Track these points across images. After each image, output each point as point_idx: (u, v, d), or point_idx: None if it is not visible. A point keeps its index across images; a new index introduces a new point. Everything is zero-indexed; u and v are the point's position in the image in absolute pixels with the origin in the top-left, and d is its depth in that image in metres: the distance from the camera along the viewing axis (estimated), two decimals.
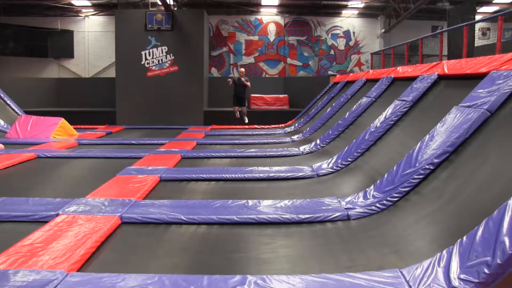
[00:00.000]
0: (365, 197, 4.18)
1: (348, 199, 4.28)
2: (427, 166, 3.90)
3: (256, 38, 16.78)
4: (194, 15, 13.41)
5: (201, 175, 5.61)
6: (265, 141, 9.22)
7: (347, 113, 8.21)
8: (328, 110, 9.90)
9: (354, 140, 6.19)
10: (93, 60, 16.77)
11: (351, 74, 12.69)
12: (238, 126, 12.29)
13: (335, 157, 6.07)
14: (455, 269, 2.37)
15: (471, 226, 2.63)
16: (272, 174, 5.67)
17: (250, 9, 16.40)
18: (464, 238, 2.53)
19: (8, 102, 11.31)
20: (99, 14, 16.53)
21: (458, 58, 6.79)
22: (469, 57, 6.05)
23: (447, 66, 5.73)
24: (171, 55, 13.21)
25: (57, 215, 3.81)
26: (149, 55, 13.17)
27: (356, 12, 16.72)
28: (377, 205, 3.94)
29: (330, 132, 7.87)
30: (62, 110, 13.09)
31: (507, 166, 3.13)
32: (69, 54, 16.61)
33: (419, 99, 5.87)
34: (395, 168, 4.27)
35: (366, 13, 16.68)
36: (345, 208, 3.99)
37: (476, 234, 2.45)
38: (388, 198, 3.94)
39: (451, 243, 2.62)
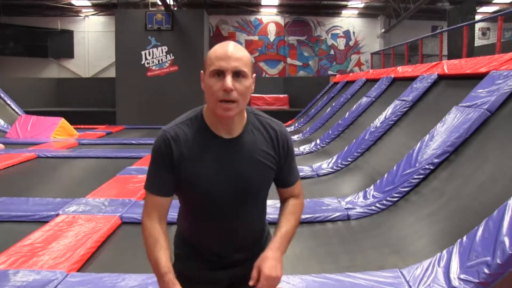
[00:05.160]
0: (365, 197, 4.17)
1: (348, 199, 4.28)
2: (427, 166, 3.90)
3: (256, 38, 16.78)
4: (194, 15, 13.40)
5: None
6: None
7: (347, 113, 8.20)
8: (328, 110, 9.89)
9: (354, 140, 6.18)
10: (93, 60, 16.77)
11: (351, 74, 12.68)
12: None
13: (335, 157, 6.07)
14: (455, 269, 2.37)
15: (471, 226, 2.63)
16: None
17: (250, 9, 16.40)
18: (464, 238, 2.53)
19: (8, 102, 11.31)
20: (99, 14, 16.52)
21: (458, 58, 6.79)
22: (469, 57, 6.05)
23: (447, 66, 5.73)
24: (171, 55, 13.20)
25: (57, 215, 3.81)
26: (149, 55, 13.17)
27: (356, 12, 16.72)
28: (377, 205, 3.94)
29: (330, 132, 7.87)
30: (62, 110, 13.08)
31: (507, 166, 3.13)
32: (69, 54, 16.60)
33: (419, 99, 5.87)
34: (395, 168, 4.27)
35: (366, 13, 16.68)
36: (345, 208, 3.99)
37: (476, 234, 2.45)
38: (388, 198, 3.94)
39: (451, 243, 2.62)
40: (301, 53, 17.05)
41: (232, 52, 1.29)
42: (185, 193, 1.40)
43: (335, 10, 16.61)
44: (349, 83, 11.13)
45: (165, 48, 13.16)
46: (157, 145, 1.37)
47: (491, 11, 15.73)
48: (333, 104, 10.00)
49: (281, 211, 1.56)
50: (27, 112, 11.28)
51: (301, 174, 5.68)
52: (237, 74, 1.27)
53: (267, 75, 16.82)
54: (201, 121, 1.38)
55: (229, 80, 1.26)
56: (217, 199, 1.38)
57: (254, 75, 1.36)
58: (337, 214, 3.86)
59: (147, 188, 1.42)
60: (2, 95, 11.26)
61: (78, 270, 2.81)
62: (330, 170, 5.71)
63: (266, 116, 1.46)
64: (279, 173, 1.48)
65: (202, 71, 1.35)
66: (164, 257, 1.34)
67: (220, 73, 1.27)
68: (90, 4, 15.85)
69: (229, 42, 1.32)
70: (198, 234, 1.47)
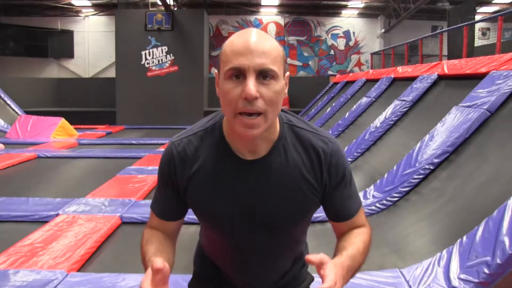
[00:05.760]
0: (365, 197, 4.17)
1: None
2: (427, 166, 3.90)
3: None
4: (194, 15, 13.41)
5: None
6: None
7: (347, 113, 8.20)
8: (328, 110, 9.90)
9: (354, 140, 6.19)
10: (93, 60, 16.77)
11: (351, 74, 12.69)
12: None
13: None
14: (455, 269, 2.37)
15: (471, 226, 2.63)
16: None
17: (250, 9, 16.40)
18: (464, 238, 2.53)
19: (8, 102, 11.32)
20: (99, 14, 16.53)
21: (458, 58, 6.79)
22: (469, 57, 6.05)
23: (447, 66, 5.73)
24: (171, 55, 13.21)
25: (57, 215, 3.80)
26: (149, 55, 13.17)
27: (356, 12, 16.72)
28: (377, 205, 3.94)
29: (330, 132, 7.87)
30: (62, 110, 13.08)
31: (507, 166, 3.13)
32: (69, 54, 16.61)
33: (419, 99, 5.87)
34: (395, 168, 4.27)
35: (366, 13, 16.68)
36: None
37: (476, 234, 2.45)
38: (388, 198, 3.94)
39: (451, 243, 2.62)
40: (301, 53, 17.05)
41: (255, 43, 0.92)
42: (196, 215, 1.15)
43: (335, 10, 16.62)
44: (349, 83, 11.14)
45: (165, 48, 13.16)
46: (161, 162, 1.09)
47: (491, 11, 15.73)
48: (333, 104, 10.01)
49: (342, 240, 1.21)
50: (27, 112, 11.28)
51: None
52: (263, 75, 0.92)
53: None
54: (218, 134, 1.05)
55: (251, 84, 0.90)
56: (230, 231, 1.10)
57: (288, 73, 1.00)
58: None
59: (151, 207, 1.18)
60: (2, 95, 11.26)
61: (78, 270, 2.81)
62: None
63: (308, 127, 1.08)
64: (328, 205, 1.14)
65: (216, 71, 1.03)
66: (152, 249, 1.10)
67: (239, 74, 0.93)
68: (90, 4, 15.86)
69: (251, 30, 0.96)
70: (214, 255, 1.24)
